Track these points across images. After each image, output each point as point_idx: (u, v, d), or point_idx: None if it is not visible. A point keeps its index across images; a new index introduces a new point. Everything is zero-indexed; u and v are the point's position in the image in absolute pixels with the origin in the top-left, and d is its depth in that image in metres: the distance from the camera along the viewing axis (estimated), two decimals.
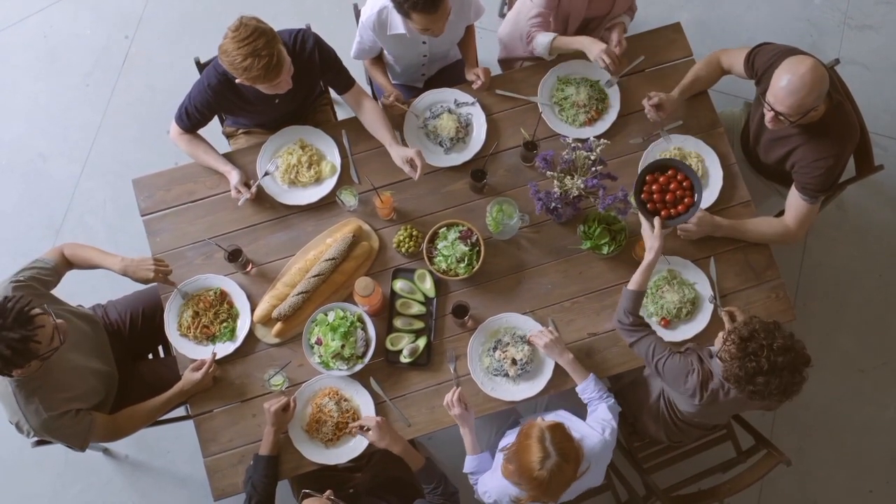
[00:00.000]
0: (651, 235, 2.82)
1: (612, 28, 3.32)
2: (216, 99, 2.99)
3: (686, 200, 2.95)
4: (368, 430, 2.79)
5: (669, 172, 2.97)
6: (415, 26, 2.96)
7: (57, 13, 4.42)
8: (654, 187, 2.96)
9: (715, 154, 3.19)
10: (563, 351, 2.89)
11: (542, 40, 3.23)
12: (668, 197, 2.95)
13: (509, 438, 2.78)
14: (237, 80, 2.82)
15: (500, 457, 2.68)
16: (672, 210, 2.94)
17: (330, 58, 3.05)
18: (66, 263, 2.93)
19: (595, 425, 2.73)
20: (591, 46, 3.14)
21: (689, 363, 2.67)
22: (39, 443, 2.99)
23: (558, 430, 2.43)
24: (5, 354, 2.41)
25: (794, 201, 3.00)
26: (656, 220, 2.82)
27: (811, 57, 2.70)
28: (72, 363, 2.76)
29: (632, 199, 2.99)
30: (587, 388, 2.87)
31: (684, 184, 2.96)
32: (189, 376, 2.92)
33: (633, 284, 2.79)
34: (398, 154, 3.06)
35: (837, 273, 4.06)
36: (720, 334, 2.59)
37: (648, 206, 2.94)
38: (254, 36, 2.68)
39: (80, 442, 2.78)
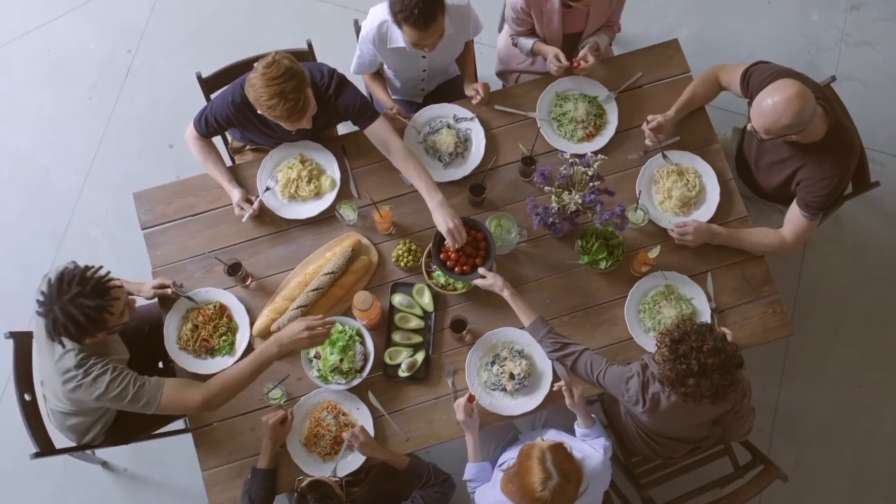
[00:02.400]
0: (489, 281, 2.91)
1: (585, 45, 3.35)
2: (237, 116, 3.00)
3: (482, 245, 3.01)
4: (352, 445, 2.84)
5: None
6: (406, 39, 2.99)
7: (60, 27, 4.46)
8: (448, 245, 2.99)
9: (712, 170, 3.20)
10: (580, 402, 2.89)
11: (525, 43, 3.40)
12: (467, 249, 2.99)
13: (508, 455, 2.79)
14: (258, 111, 2.83)
15: (499, 473, 2.69)
16: (476, 259, 2.99)
17: (354, 103, 3.00)
18: None
19: (596, 447, 2.74)
20: (549, 53, 3.29)
21: (628, 369, 2.69)
22: (38, 454, 3.00)
23: (559, 450, 2.42)
24: (79, 321, 2.45)
25: (794, 217, 3.02)
26: (480, 270, 2.93)
27: (798, 85, 2.71)
28: (119, 348, 2.83)
29: (629, 215, 3.02)
30: (591, 434, 2.86)
31: (477, 235, 3.02)
32: (292, 330, 2.68)
33: (525, 320, 2.89)
34: (440, 220, 2.92)
35: (835, 288, 4.06)
36: (656, 337, 2.61)
37: (455, 268, 2.99)
38: (284, 77, 2.69)
39: (154, 398, 2.62)
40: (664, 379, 2.51)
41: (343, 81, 3.00)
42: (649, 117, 3.14)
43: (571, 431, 2.92)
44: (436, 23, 2.88)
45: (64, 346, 2.57)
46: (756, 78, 2.94)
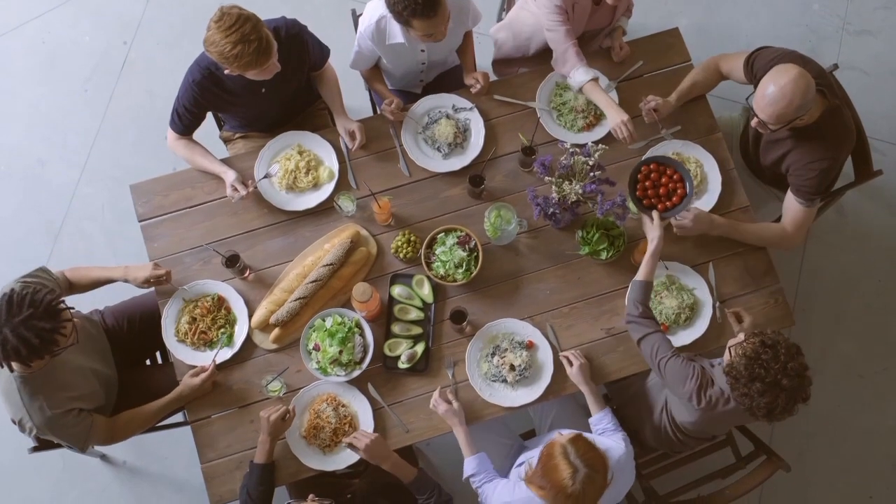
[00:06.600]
0: (651, 227, 2.87)
1: (611, 34, 3.32)
2: (202, 94, 2.99)
3: (679, 192, 2.97)
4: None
5: (656, 168, 3.01)
6: (416, 33, 2.95)
7: (56, 19, 4.42)
8: (647, 183, 2.98)
9: (713, 159, 3.18)
10: (589, 379, 2.90)
11: (579, 78, 3.16)
12: (661, 191, 2.97)
13: (524, 457, 2.76)
14: (226, 71, 2.82)
15: (516, 475, 2.69)
16: (667, 202, 2.97)
17: (310, 37, 3.12)
18: (67, 285, 2.95)
19: (617, 439, 2.74)
20: (615, 116, 3.10)
21: (691, 368, 2.66)
22: (36, 448, 2.99)
23: (579, 441, 2.40)
24: (33, 343, 2.43)
25: (790, 205, 3.00)
26: (654, 213, 2.88)
27: (797, 67, 2.69)
28: (75, 363, 2.77)
29: (630, 205, 2.99)
30: (603, 419, 2.86)
31: (674, 177, 2.98)
32: (188, 381, 2.91)
33: (640, 275, 2.82)
34: (342, 124, 3.21)
35: (837, 278, 4.05)
36: (735, 338, 2.58)
37: (644, 202, 2.97)
38: (239, 22, 2.70)
39: (81, 442, 2.79)
40: (731, 370, 2.49)
41: (297, 22, 3.06)
42: (649, 97, 3.11)
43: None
44: (441, 6, 2.85)
45: (12, 371, 2.55)
46: (760, 61, 2.90)
